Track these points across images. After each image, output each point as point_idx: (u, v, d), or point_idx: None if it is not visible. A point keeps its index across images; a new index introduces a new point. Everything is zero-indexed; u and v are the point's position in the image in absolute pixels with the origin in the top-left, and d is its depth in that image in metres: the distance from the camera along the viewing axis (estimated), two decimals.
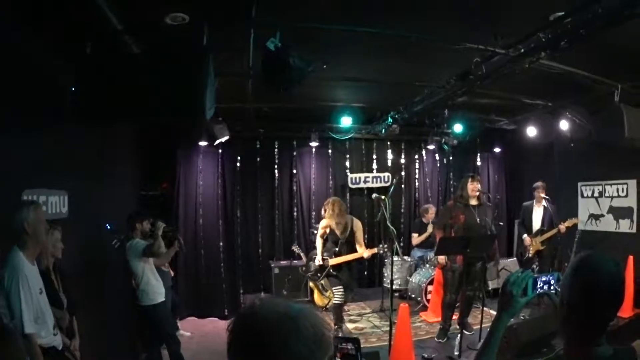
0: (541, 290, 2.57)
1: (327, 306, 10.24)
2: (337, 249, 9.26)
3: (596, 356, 2.31)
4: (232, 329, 1.65)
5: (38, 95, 5.20)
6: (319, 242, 9.56)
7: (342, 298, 9.28)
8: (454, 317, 9.00)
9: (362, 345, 2.59)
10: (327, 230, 9.44)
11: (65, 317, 5.07)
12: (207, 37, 5.25)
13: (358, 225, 9.39)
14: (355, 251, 9.24)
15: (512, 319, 2.63)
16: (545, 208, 10.44)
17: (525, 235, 10.50)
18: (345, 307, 10.09)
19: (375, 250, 9.44)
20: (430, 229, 11.60)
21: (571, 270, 2.41)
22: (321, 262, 9.32)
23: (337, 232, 9.23)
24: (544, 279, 2.59)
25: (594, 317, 2.33)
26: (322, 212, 9.45)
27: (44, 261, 4.83)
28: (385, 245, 9.53)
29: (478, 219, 8.62)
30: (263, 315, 1.61)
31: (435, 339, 8.98)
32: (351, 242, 9.26)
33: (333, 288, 9.39)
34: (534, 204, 10.71)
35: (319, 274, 9.46)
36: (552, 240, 10.30)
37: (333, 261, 9.20)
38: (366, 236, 12.53)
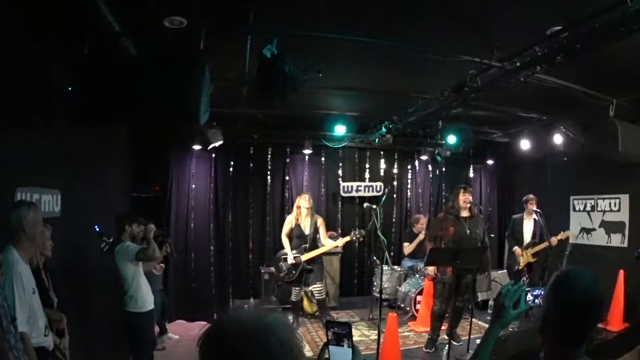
0: (532, 304, 2.61)
1: (316, 313, 10.28)
2: (306, 245, 9.62)
3: None
4: (200, 345, 1.65)
5: (34, 94, 5.20)
6: (285, 241, 9.82)
7: (322, 293, 9.77)
8: (443, 327, 8.99)
9: None
10: (293, 225, 9.78)
11: (63, 319, 5.05)
12: (204, 41, 5.26)
13: (321, 220, 9.85)
14: (318, 247, 9.72)
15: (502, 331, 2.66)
16: (535, 221, 10.44)
17: (516, 247, 10.47)
18: (334, 315, 10.10)
19: (347, 238, 9.78)
20: (421, 236, 11.60)
21: (550, 284, 2.47)
22: (293, 261, 9.57)
23: (303, 228, 9.69)
24: (535, 292, 2.63)
25: (567, 329, 2.37)
26: (296, 207, 9.93)
27: (35, 260, 4.79)
28: (357, 232, 9.82)
29: (468, 231, 8.60)
30: (229, 334, 1.61)
31: (424, 348, 8.93)
32: (316, 238, 9.67)
33: (311, 287, 9.70)
34: (524, 216, 10.70)
35: (293, 272, 9.59)
36: (542, 253, 10.29)
37: (306, 256, 9.51)
38: (357, 245, 12.59)
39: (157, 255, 6.97)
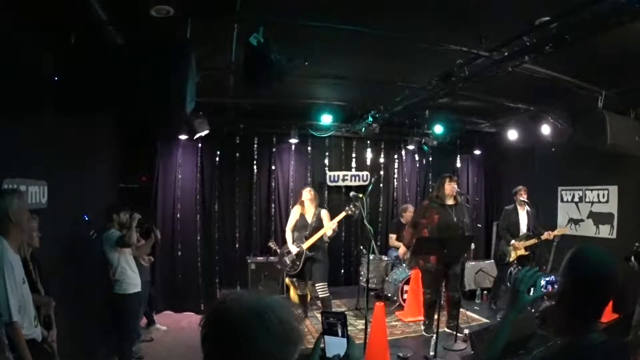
0: (544, 290, 2.62)
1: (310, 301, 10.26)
2: (307, 233, 9.39)
3: (587, 340, 2.39)
4: (204, 324, 1.69)
5: (20, 84, 5.14)
6: (289, 235, 9.67)
7: (326, 291, 9.40)
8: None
9: None
10: (298, 217, 9.62)
11: (51, 303, 5.02)
12: (191, 30, 5.23)
13: (325, 212, 9.63)
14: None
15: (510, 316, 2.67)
16: (527, 212, 10.45)
17: (513, 241, 10.31)
18: (318, 303, 10.09)
19: (343, 213, 9.46)
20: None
21: (566, 259, 2.52)
22: (297, 250, 9.39)
23: (308, 218, 9.48)
24: (547, 278, 2.63)
25: (582, 302, 2.43)
26: (300, 201, 9.73)
27: (22, 251, 4.75)
28: (352, 205, 9.39)
29: (455, 219, 8.70)
30: (232, 312, 1.65)
31: (424, 333, 9.15)
32: (319, 227, 9.40)
33: (316, 285, 9.47)
34: (518, 208, 10.62)
35: (297, 263, 9.42)
36: (532, 245, 10.30)
37: (307, 244, 9.29)
38: (343, 234, 12.62)
39: (133, 242, 7.22)
